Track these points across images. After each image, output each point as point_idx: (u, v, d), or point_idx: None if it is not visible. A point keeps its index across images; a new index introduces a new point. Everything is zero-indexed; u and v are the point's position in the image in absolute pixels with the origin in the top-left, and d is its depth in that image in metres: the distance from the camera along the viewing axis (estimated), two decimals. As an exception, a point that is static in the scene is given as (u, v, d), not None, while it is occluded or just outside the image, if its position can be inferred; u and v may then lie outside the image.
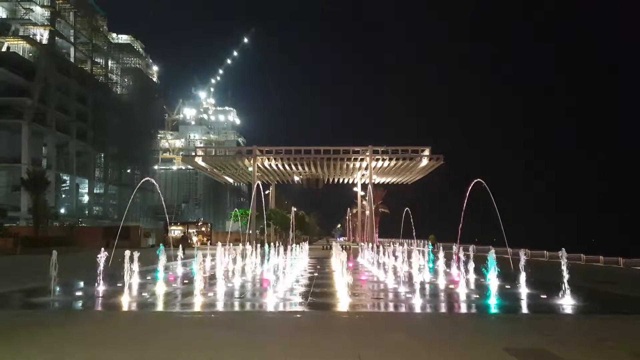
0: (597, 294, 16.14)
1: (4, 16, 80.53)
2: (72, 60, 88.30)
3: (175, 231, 64.09)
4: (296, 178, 77.00)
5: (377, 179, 75.68)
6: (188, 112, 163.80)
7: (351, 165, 69.28)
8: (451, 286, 18.27)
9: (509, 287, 16.74)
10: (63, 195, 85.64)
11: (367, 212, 79.50)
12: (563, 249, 13.94)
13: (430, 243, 33.31)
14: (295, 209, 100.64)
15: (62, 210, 78.67)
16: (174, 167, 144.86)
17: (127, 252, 14.78)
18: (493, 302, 13.70)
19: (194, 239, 64.02)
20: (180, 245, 28.93)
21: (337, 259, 19.99)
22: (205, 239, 66.62)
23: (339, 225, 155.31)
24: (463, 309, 13.99)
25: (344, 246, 41.72)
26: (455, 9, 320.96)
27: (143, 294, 15.25)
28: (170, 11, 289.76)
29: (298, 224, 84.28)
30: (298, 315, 12.08)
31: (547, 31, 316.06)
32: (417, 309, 13.03)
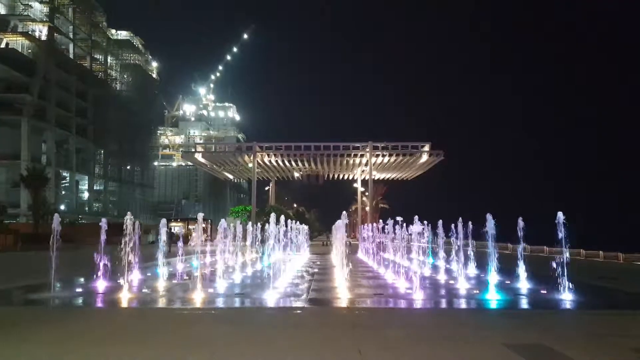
0: (597, 289, 16.16)
1: (3, 12, 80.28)
2: (71, 56, 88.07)
3: (175, 228, 64.08)
4: (296, 174, 76.96)
5: (377, 175, 75.61)
6: (188, 109, 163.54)
7: (351, 162, 69.20)
8: (451, 281, 18.31)
9: (508, 282, 16.77)
10: (63, 192, 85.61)
11: (368, 208, 79.55)
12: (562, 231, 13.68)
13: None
14: (295, 205, 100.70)
15: (62, 207, 78.64)
16: (174, 164, 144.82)
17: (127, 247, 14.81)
18: (492, 297, 13.73)
19: (195, 235, 63.96)
20: (169, 242, 27.86)
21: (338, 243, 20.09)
22: (205, 235, 66.57)
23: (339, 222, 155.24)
24: (462, 304, 14.02)
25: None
26: (456, 8, 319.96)
27: (144, 290, 15.26)
28: (170, 7, 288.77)
29: (298, 220, 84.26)
30: (299, 311, 12.09)
31: (548, 30, 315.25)
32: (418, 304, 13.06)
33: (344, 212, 19.16)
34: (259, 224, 26.26)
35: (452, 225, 20.44)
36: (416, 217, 17.81)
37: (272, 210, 68.75)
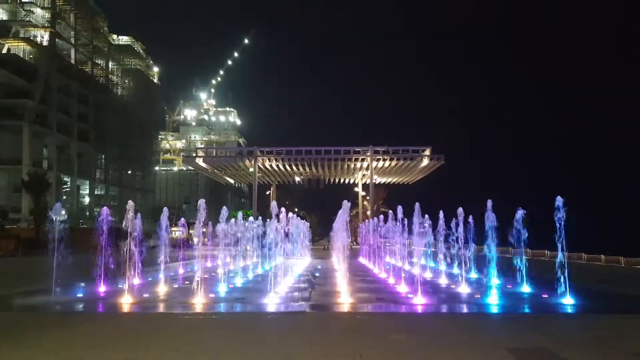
0: (597, 292, 16.13)
1: (5, 18, 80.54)
2: (72, 61, 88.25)
3: (176, 232, 64.04)
4: (297, 178, 76.96)
5: (378, 179, 75.57)
6: (189, 113, 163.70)
7: (352, 166, 69.20)
8: (452, 285, 18.29)
9: (510, 286, 16.74)
10: (64, 197, 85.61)
11: (369, 212, 79.50)
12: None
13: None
14: (296, 209, 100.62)
15: (63, 212, 78.56)
16: (175, 168, 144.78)
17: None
18: (493, 301, 13.71)
19: (195, 240, 63.86)
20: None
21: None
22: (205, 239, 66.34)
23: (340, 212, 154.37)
24: (464, 308, 13.99)
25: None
26: (455, 8, 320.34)
27: (144, 295, 15.25)
28: (171, 12, 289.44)
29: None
30: (300, 316, 12.08)
31: (548, 30, 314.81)
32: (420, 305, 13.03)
33: (345, 202, 17.98)
34: (259, 218, 25.77)
35: (453, 225, 20.38)
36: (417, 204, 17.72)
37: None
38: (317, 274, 23.58)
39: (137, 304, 13.59)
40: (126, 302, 13.50)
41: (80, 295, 15.75)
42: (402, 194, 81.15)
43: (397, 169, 69.99)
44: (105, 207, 17.05)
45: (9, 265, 31.39)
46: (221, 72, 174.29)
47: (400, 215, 21.41)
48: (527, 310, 13.35)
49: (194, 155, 79.14)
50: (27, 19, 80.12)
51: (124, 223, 15.79)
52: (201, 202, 16.35)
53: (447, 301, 14.87)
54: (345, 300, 13.97)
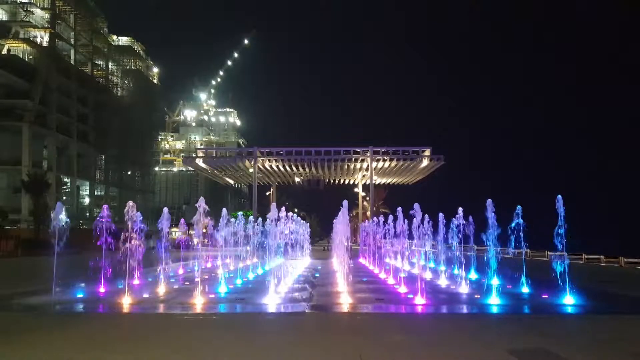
0: (598, 294, 16.12)
1: (5, 19, 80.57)
2: (72, 62, 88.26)
3: (176, 233, 64.00)
4: (297, 179, 76.94)
5: (378, 180, 75.60)
6: (189, 114, 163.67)
7: (352, 166, 69.22)
8: (452, 286, 18.29)
9: (510, 286, 16.73)
10: (64, 197, 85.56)
11: (368, 213, 79.47)
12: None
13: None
14: (296, 210, 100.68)
15: (63, 212, 78.44)
16: (175, 169, 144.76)
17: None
18: (493, 302, 13.70)
19: (195, 240, 63.85)
20: None
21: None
22: (205, 240, 66.30)
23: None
24: (464, 308, 13.99)
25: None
26: (455, 8, 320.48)
27: (144, 295, 15.24)
28: (171, 12, 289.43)
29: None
30: (301, 317, 12.08)
31: (548, 30, 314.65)
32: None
33: (345, 203, 18.09)
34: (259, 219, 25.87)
35: (453, 225, 20.34)
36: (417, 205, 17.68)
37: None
38: (317, 275, 23.57)
39: (137, 305, 13.58)
40: (126, 303, 13.49)
41: (80, 295, 15.75)
42: (402, 195, 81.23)
43: (397, 170, 70.02)
44: (105, 206, 17.07)
45: (9, 265, 31.39)
46: (221, 73, 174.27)
47: (400, 216, 21.42)
48: (527, 311, 13.35)
49: (194, 155, 79.11)
50: (27, 19, 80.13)
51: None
52: (201, 200, 16.30)
53: (447, 302, 14.86)
54: (345, 301, 13.97)
